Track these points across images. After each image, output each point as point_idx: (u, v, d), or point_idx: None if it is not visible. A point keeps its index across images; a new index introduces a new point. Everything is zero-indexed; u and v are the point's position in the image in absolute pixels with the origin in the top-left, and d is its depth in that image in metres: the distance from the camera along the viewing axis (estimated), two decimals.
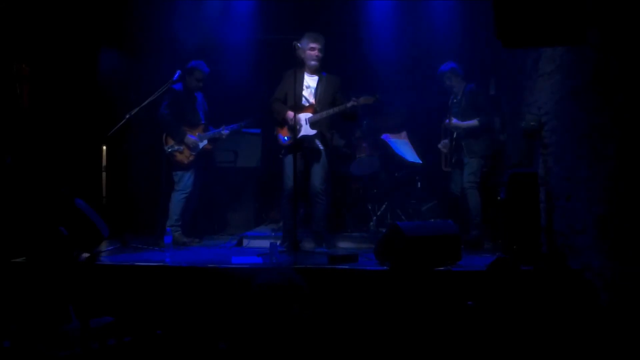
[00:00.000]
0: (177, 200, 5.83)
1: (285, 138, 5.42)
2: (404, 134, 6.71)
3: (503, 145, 6.25)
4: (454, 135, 5.79)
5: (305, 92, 5.46)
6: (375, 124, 6.70)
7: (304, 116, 5.40)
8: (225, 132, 5.94)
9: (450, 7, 6.46)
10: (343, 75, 5.66)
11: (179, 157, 5.82)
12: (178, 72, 5.59)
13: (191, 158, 5.84)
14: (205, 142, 5.91)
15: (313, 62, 5.42)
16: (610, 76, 3.82)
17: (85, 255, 4.44)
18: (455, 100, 5.83)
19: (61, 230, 3.92)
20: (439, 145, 5.94)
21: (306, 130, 5.39)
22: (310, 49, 5.39)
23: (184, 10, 6.49)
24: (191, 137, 5.83)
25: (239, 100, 6.61)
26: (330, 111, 5.38)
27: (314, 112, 5.42)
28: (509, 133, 6.34)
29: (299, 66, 5.39)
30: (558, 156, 4.87)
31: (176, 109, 5.85)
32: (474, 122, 5.64)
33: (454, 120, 5.71)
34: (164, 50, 6.43)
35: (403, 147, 6.59)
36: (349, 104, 5.31)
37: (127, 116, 5.40)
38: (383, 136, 6.61)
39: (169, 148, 5.81)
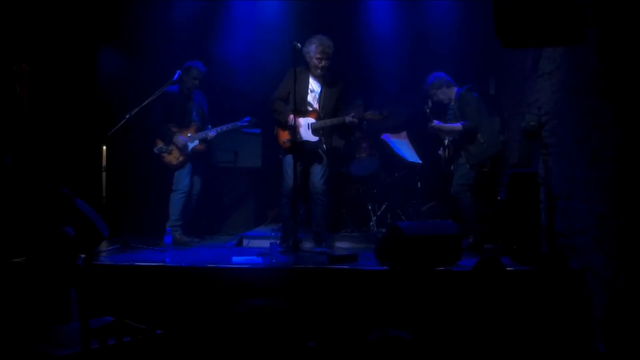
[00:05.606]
0: (175, 200, 5.86)
1: (286, 141, 5.34)
2: (404, 134, 6.70)
3: (503, 145, 6.24)
4: (446, 143, 5.72)
5: (309, 97, 5.37)
6: (375, 124, 6.69)
7: (306, 121, 5.33)
8: (211, 133, 5.89)
9: (450, 7, 6.45)
10: (342, 75, 5.61)
11: (167, 157, 5.84)
12: (178, 73, 5.58)
13: (181, 159, 5.85)
14: (196, 142, 5.89)
15: (318, 71, 5.30)
16: (610, 76, 3.82)
17: (85, 255, 4.43)
18: (450, 107, 5.70)
19: (66, 230, 3.92)
20: (440, 152, 5.89)
21: (307, 135, 5.32)
22: (317, 59, 5.24)
23: (185, 9, 6.49)
24: (181, 138, 5.84)
25: (239, 102, 6.61)
26: (335, 120, 5.32)
27: (317, 118, 5.34)
28: (508, 133, 6.34)
29: (305, 66, 5.32)
30: (558, 156, 4.87)
31: (166, 111, 5.85)
32: (457, 126, 5.49)
33: (435, 122, 5.59)
34: (164, 50, 6.44)
35: (403, 147, 6.57)
36: (347, 119, 5.25)
37: (127, 116, 5.39)
38: (383, 136, 6.60)
39: (156, 150, 5.84)
